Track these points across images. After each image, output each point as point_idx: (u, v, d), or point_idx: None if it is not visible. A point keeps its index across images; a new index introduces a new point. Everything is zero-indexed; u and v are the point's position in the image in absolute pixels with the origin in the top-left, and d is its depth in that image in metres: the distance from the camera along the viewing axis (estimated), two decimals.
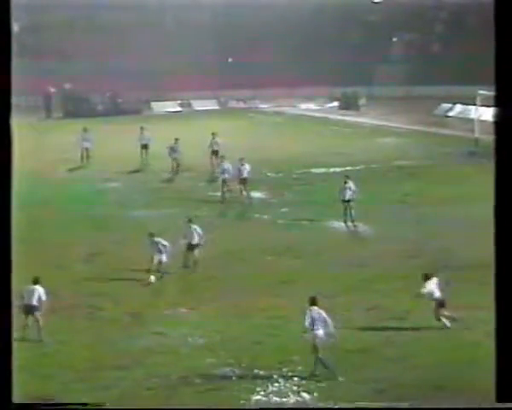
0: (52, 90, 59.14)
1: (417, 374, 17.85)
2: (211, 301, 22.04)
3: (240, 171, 33.80)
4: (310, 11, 65.56)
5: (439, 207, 31.64)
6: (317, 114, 59.61)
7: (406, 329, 20.37)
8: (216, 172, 37.06)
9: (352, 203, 29.61)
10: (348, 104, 60.81)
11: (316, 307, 17.77)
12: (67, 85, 60.06)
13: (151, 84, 59.59)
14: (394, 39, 68.19)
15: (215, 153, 39.36)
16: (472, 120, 46.51)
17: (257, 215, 32.29)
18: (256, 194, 34.54)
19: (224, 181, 34.07)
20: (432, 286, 20.10)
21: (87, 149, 41.11)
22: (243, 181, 33.84)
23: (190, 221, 25.19)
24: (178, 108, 62.45)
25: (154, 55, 61.38)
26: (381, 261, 25.53)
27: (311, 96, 62.77)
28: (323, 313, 17.62)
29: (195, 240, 24.56)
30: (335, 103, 62.21)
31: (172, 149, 39.14)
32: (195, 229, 24.81)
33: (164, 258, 23.90)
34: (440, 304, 20.08)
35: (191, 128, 48.50)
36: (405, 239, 27.88)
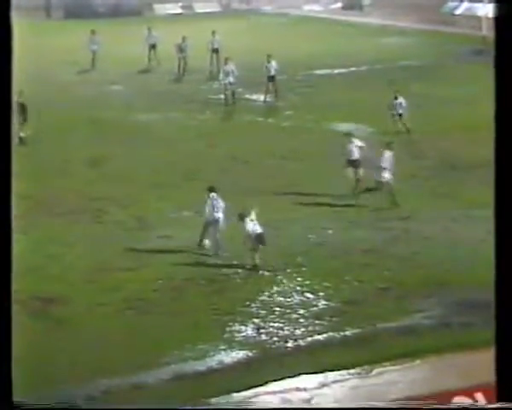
0: None
1: (421, 272, 18.04)
2: None
3: (267, 68, 33.60)
4: None
5: (446, 107, 31.45)
6: (321, 15, 58.81)
7: (411, 228, 20.53)
8: (216, 72, 36.82)
9: (403, 118, 28.27)
10: (352, 4, 59.94)
11: (214, 194, 18.80)
12: None
13: None
14: None
15: (215, 51, 39.07)
16: (479, 18, 45.90)
17: (261, 119, 32.18)
18: (260, 96, 34.34)
19: (229, 84, 33.54)
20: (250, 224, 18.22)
21: (94, 52, 40.68)
22: (271, 79, 33.61)
23: None
24: (180, 10, 61.64)
25: None
26: None
27: None
28: (220, 199, 18.69)
29: None
30: (339, 4, 61.31)
31: (180, 48, 38.82)
32: None
33: None
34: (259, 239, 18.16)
35: (193, 30, 47.83)
36: (411, 140, 27.81)
